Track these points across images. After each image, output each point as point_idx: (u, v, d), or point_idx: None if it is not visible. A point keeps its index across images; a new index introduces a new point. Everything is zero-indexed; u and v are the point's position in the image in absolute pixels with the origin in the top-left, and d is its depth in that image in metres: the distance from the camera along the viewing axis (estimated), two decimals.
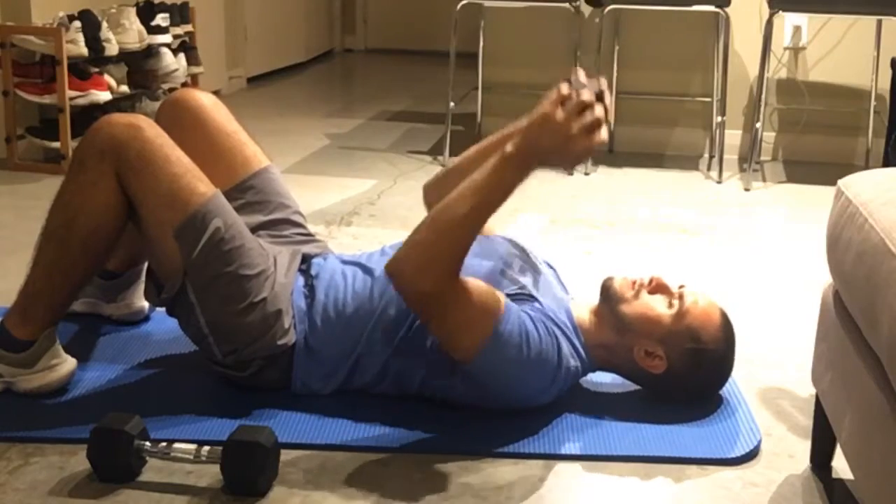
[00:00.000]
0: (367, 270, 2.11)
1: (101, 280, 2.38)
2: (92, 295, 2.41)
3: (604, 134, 1.81)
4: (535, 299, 2.03)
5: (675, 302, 2.04)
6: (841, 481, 1.88)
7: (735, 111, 4.58)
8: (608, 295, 2.07)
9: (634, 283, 2.07)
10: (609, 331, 2.06)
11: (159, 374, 2.20)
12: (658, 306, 2.04)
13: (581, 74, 1.84)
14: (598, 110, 1.80)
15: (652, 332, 2.02)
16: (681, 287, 2.07)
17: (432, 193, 2.18)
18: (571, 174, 1.60)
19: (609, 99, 1.84)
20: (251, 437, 1.75)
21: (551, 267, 2.26)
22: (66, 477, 1.80)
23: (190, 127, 2.22)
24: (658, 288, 2.07)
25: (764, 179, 4.29)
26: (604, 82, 1.85)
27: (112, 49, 4.06)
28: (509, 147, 1.84)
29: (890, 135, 4.20)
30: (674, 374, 2.04)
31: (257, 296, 2.01)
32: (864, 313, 1.52)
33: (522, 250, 2.21)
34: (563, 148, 1.81)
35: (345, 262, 2.17)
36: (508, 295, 1.99)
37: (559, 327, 2.01)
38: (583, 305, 2.12)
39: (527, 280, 2.09)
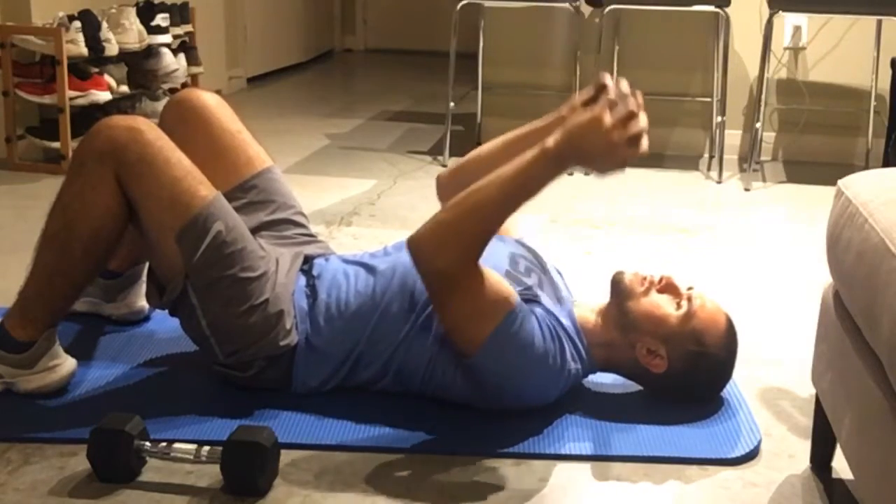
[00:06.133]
0: (369, 269, 2.11)
1: (101, 279, 2.38)
2: (92, 294, 2.41)
3: (645, 144, 1.81)
4: (539, 300, 2.03)
5: (684, 303, 2.04)
6: (841, 481, 1.88)
7: (735, 111, 4.58)
8: (618, 289, 2.07)
9: (645, 279, 2.07)
10: (613, 328, 2.06)
11: (159, 374, 2.20)
12: (665, 306, 2.04)
13: (624, 84, 1.84)
14: (643, 121, 1.81)
15: (656, 331, 2.02)
16: (689, 289, 2.07)
17: (448, 185, 2.16)
18: (603, 178, 1.64)
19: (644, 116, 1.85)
20: (251, 437, 1.75)
21: (557, 271, 2.26)
22: (66, 477, 1.80)
23: (194, 126, 2.22)
24: (667, 287, 2.07)
25: (764, 179, 4.29)
26: (640, 96, 1.85)
27: (112, 49, 4.06)
28: (550, 142, 1.82)
29: (890, 135, 4.20)
30: (673, 374, 2.04)
31: (259, 298, 2.01)
32: (864, 313, 1.52)
33: (530, 251, 2.21)
34: (605, 154, 1.81)
35: (347, 262, 2.17)
36: None
37: (563, 330, 2.01)
38: (585, 306, 2.12)
39: (531, 281, 2.08)
